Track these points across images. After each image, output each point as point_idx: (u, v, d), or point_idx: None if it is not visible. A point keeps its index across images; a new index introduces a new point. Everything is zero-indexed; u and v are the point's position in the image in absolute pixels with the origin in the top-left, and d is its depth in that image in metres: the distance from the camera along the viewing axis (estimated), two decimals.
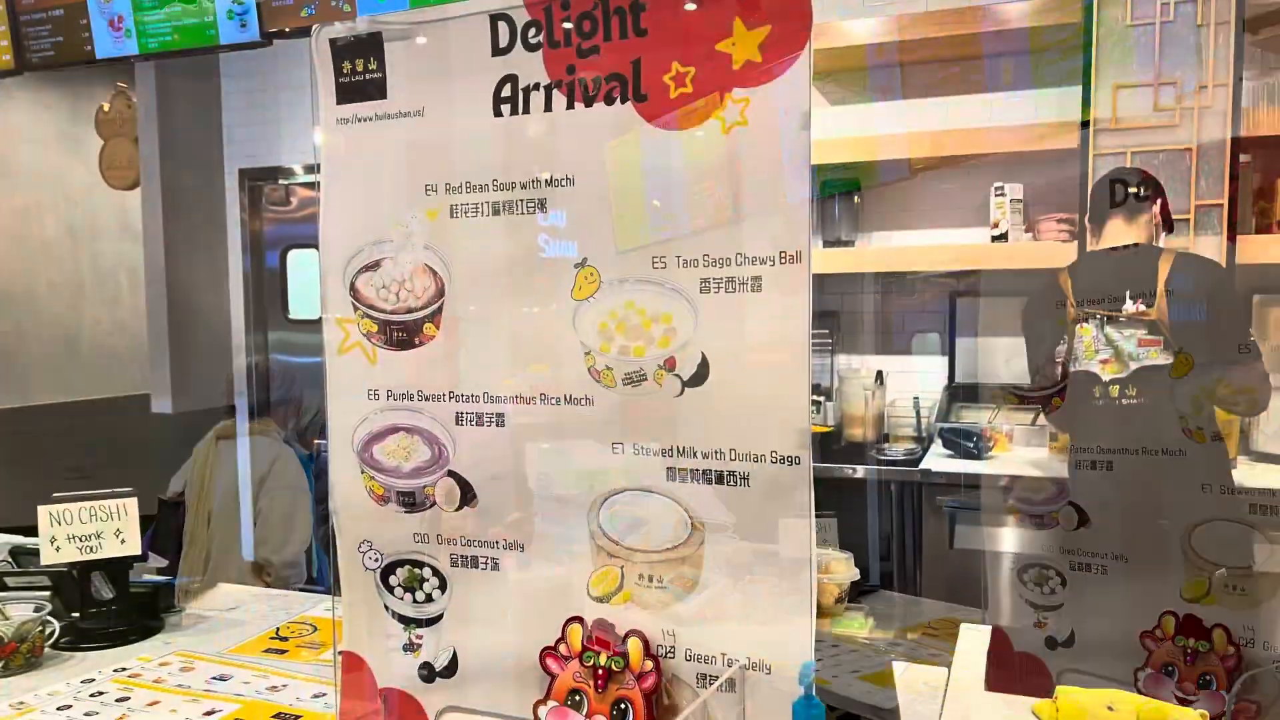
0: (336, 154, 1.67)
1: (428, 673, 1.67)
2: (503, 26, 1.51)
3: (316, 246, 1.68)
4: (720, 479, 1.43)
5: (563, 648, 1.53)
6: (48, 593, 2.30)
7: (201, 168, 6.66)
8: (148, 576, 2.61)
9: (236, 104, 6.72)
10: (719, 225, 1.39)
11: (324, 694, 1.96)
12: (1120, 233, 3.28)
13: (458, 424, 1.61)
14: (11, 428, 6.79)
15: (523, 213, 1.53)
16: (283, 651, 2.23)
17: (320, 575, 4.48)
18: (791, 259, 1.35)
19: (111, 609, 2.31)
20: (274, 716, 1.88)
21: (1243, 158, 3.89)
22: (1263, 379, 3.08)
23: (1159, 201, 3.32)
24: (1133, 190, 3.29)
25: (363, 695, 1.71)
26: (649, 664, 1.47)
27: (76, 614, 2.29)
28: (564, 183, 1.50)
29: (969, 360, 4.88)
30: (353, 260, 1.65)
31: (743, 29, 1.35)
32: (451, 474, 1.62)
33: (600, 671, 1.49)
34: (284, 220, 6.81)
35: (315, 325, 1.68)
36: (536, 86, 1.50)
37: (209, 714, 1.89)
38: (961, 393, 4.80)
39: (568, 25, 1.47)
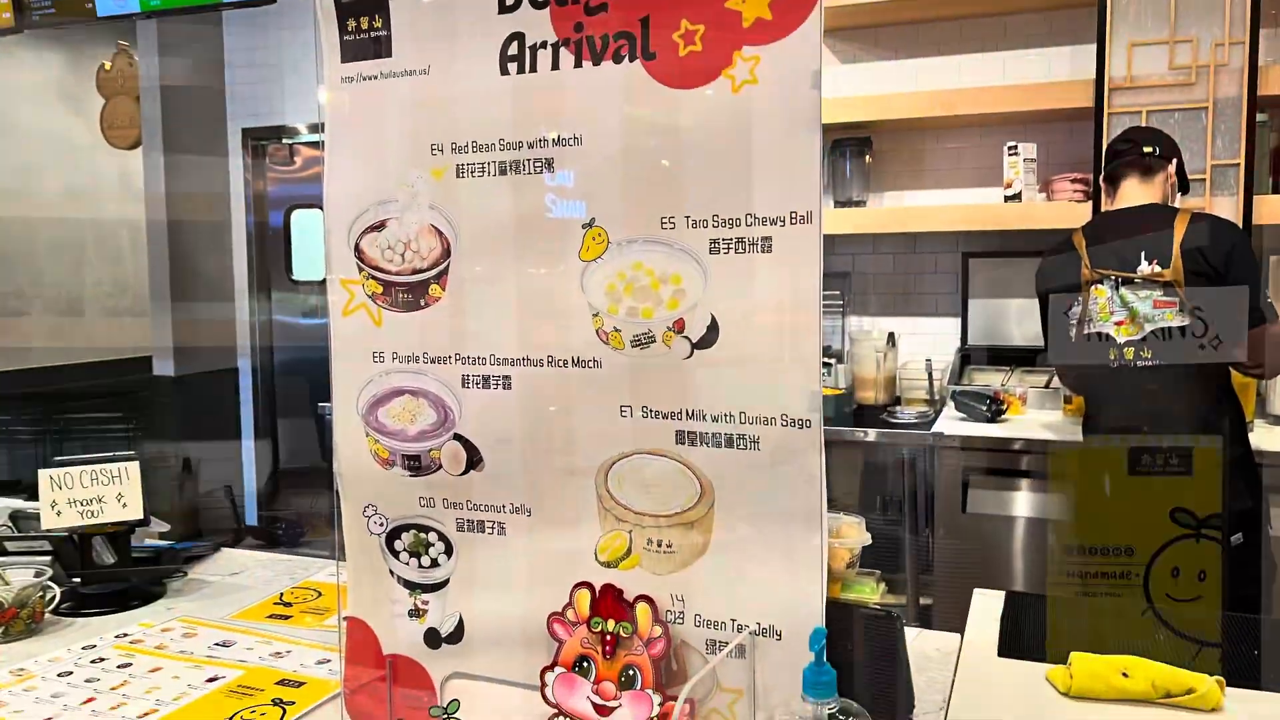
0: (341, 113, 1.64)
1: (433, 639, 1.66)
2: None
3: (320, 206, 1.66)
4: (730, 442, 1.40)
5: (570, 613, 1.51)
6: (48, 558, 2.29)
7: (204, 127, 6.64)
8: (150, 541, 2.60)
9: (240, 62, 6.68)
10: (728, 185, 1.36)
11: (328, 660, 1.95)
12: (1135, 193, 3.25)
13: (464, 386, 1.58)
14: (12, 390, 6.79)
15: (530, 172, 1.49)
16: (286, 617, 2.21)
17: None
18: (802, 219, 1.32)
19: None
20: (277, 683, 1.86)
21: (1260, 116, 3.85)
22: None
23: (1174, 161, 3.28)
24: (1148, 149, 3.26)
25: (367, 661, 1.70)
26: (658, 630, 1.45)
27: (77, 579, 2.27)
28: (571, 142, 1.46)
29: (982, 322, 4.86)
30: (357, 221, 1.62)
31: None
32: (457, 437, 1.59)
33: (608, 637, 1.47)
34: (288, 180, 6.78)
35: (319, 286, 1.65)
36: (544, 44, 1.47)
37: (211, 680, 1.87)
38: (974, 355, 4.79)
39: None
